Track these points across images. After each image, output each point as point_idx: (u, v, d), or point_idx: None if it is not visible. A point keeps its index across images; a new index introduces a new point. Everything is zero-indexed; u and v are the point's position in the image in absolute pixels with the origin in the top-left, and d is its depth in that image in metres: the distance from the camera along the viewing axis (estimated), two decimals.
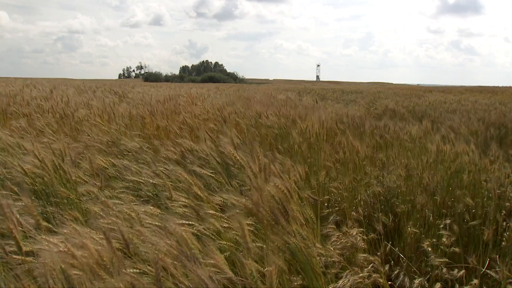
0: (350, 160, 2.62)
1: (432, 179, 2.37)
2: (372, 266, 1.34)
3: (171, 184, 1.58)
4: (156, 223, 1.13)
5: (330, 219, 1.80)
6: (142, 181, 1.96)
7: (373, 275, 1.34)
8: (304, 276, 1.18)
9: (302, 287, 1.22)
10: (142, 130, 3.84)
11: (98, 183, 1.99)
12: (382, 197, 2.41)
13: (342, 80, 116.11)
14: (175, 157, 2.45)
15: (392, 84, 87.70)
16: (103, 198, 1.53)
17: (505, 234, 1.92)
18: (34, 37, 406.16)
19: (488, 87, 33.64)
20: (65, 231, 0.86)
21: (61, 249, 0.77)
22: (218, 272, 0.87)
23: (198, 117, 4.20)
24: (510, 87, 34.61)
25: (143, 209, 1.26)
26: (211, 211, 1.33)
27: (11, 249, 1.18)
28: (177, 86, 20.39)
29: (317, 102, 7.20)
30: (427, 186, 2.33)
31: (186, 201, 1.49)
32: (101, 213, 1.32)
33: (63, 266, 0.72)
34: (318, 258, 1.21)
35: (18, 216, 0.97)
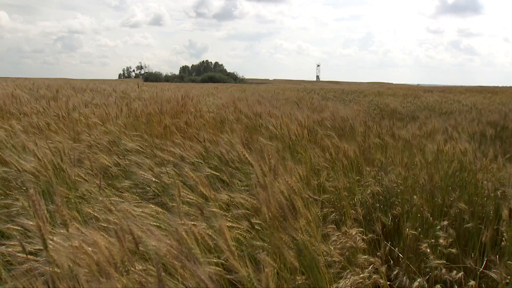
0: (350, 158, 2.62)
1: (431, 179, 2.37)
2: (373, 267, 1.34)
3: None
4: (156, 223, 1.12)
5: (328, 219, 1.80)
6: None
7: (374, 276, 1.34)
8: (309, 274, 1.18)
9: (307, 285, 1.22)
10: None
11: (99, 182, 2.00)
12: (381, 197, 2.41)
13: (342, 80, 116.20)
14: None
15: (392, 84, 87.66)
16: (100, 198, 1.53)
17: (505, 234, 1.92)
18: (34, 37, 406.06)
19: (488, 87, 33.68)
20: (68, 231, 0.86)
21: (74, 244, 0.77)
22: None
23: None
24: (510, 87, 34.63)
25: (140, 210, 1.26)
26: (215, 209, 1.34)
27: (10, 250, 1.18)
28: (177, 86, 20.40)
29: (298, 105, 7.24)
30: (424, 187, 2.33)
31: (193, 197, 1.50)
32: (95, 214, 1.32)
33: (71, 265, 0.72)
34: (323, 256, 1.21)
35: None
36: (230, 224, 1.24)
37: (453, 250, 1.79)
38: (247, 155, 1.63)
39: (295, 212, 1.02)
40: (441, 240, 1.80)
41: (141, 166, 2.20)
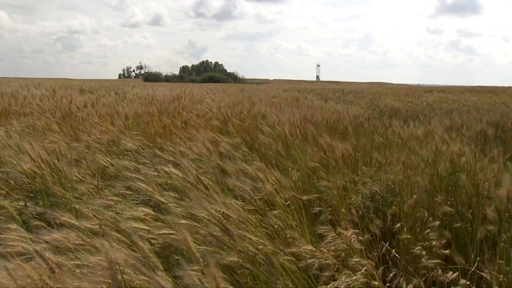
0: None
1: (430, 179, 2.34)
2: (366, 269, 1.31)
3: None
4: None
5: (321, 218, 1.77)
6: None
7: (368, 277, 1.31)
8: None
9: None
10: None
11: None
12: (378, 196, 2.38)
13: (342, 80, 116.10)
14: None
15: (392, 84, 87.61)
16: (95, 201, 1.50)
17: (503, 235, 1.89)
18: (34, 37, 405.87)
19: (488, 87, 33.65)
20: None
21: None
22: None
23: None
24: (510, 87, 34.59)
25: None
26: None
27: None
28: (178, 86, 20.40)
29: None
30: (420, 187, 2.30)
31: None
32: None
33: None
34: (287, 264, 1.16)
35: None
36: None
37: (447, 251, 1.76)
38: None
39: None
40: (434, 242, 1.77)
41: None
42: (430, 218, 2.16)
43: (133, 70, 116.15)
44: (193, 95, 9.64)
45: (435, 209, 2.23)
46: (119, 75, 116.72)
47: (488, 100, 11.88)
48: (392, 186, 2.43)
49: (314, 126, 3.61)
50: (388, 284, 1.74)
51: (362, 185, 2.36)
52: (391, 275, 1.73)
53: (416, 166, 2.64)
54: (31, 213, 1.86)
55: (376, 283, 1.30)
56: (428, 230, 1.88)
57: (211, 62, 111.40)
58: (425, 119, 5.80)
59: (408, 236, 1.89)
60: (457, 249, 1.88)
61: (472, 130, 4.35)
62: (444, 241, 1.80)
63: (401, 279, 1.69)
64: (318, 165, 2.28)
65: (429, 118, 5.87)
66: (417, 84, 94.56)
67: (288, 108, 6.18)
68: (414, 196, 2.20)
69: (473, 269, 1.68)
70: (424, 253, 1.71)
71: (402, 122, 4.51)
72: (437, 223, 1.91)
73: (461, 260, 1.68)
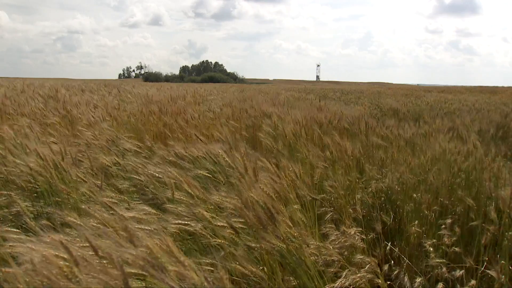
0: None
1: (438, 178, 2.35)
2: (370, 267, 1.32)
3: None
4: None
5: (326, 218, 1.77)
6: None
7: (370, 275, 1.32)
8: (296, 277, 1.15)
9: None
10: None
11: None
12: (383, 196, 2.39)
13: (342, 80, 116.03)
14: None
15: (391, 84, 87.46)
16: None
17: (507, 234, 1.89)
18: (33, 37, 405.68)
19: (488, 87, 33.69)
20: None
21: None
22: None
23: None
24: (510, 87, 34.60)
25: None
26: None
27: None
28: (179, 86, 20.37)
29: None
30: (430, 185, 2.30)
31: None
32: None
33: None
34: (312, 258, 1.19)
35: None
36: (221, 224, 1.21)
37: (457, 249, 1.76)
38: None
39: (274, 219, 0.97)
40: (445, 239, 1.77)
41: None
42: (433, 216, 2.16)
43: (133, 70, 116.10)
44: (193, 94, 9.65)
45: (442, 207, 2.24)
46: (119, 75, 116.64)
47: (488, 100, 11.89)
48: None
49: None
50: (390, 282, 1.75)
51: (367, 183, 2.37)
52: (395, 272, 1.73)
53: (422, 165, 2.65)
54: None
55: (380, 280, 1.31)
56: (443, 226, 1.88)
57: (211, 62, 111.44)
58: (426, 119, 5.81)
59: (419, 230, 1.89)
60: (463, 247, 1.88)
61: (472, 131, 4.35)
62: (454, 238, 1.80)
63: (405, 277, 1.69)
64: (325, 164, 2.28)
65: (432, 118, 5.87)
66: (417, 84, 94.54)
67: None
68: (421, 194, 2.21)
69: (482, 268, 1.68)
70: (431, 249, 1.71)
71: (406, 122, 4.52)
72: (449, 220, 1.91)
73: (470, 262, 1.68)
